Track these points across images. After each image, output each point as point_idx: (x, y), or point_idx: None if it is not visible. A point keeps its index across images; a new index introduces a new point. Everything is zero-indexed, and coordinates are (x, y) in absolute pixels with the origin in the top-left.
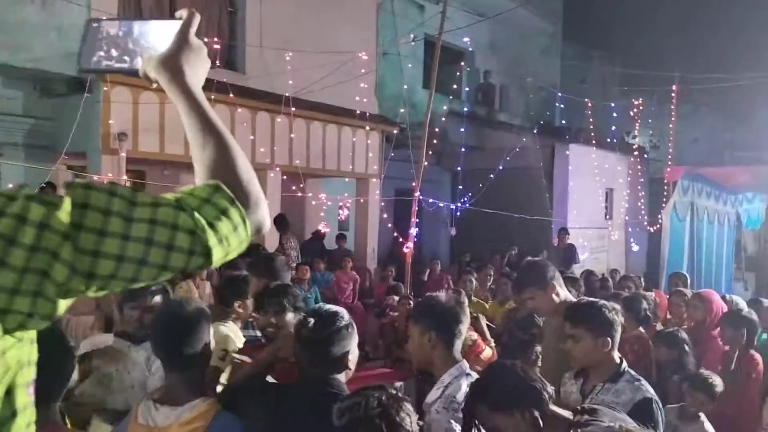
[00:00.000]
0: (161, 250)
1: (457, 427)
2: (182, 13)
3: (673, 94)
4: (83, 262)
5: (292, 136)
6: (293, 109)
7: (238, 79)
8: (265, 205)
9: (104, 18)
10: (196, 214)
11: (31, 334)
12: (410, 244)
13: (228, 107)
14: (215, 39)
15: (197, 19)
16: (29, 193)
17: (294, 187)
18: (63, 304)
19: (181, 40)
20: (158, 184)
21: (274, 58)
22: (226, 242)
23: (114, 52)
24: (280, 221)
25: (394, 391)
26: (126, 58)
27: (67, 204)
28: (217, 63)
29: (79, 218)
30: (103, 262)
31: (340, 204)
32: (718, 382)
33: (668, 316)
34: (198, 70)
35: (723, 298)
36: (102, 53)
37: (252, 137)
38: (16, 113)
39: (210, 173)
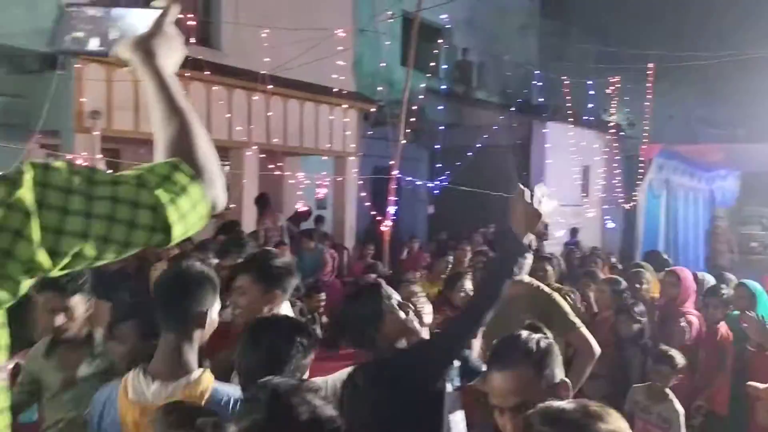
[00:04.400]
0: (124, 227)
1: None
2: (161, 2)
3: (649, 73)
4: (47, 239)
5: (270, 114)
6: (270, 86)
7: (214, 56)
8: (221, 183)
9: (81, 2)
10: (156, 191)
11: (2, 318)
12: (388, 223)
13: (204, 85)
14: (189, 16)
15: (176, 10)
16: None
17: (271, 166)
18: (26, 284)
19: (157, 28)
20: (133, 163)
21: (250, 35)
22: (186, 219)
23: (86, 35)
24: (261, 201)
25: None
26: (98, 41)
27: (28, 182)
28: (192, 40)
29: (41, 196)
30: (68, 239)
31: (318, 182)
32: (677, 355)
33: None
34: (171, 57)
35: (694, 275)
36: (74, 35)
37: (228, 115)
38: None
39: (169, 151)
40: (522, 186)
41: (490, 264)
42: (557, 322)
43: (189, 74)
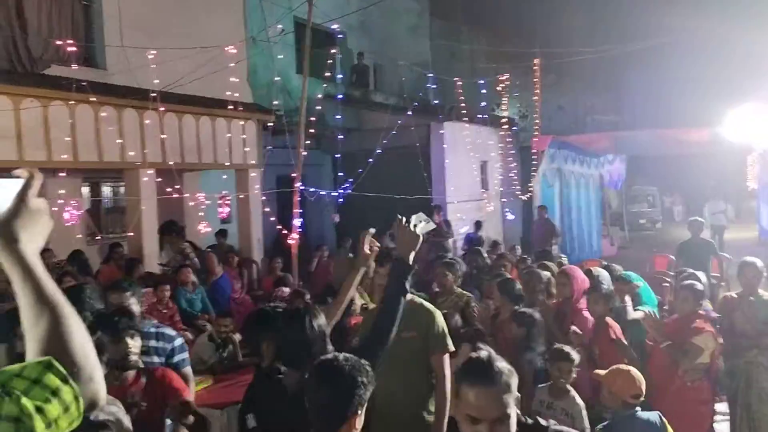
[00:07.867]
0: None
1: None
2: (22, 172)
3: (535, 68)
4: None
5: (163, 133)
6: (161, 105)
7: (100, 77)
8: (100, 377)
9: None
10: (23, 399)
11: None
12: (295, 236)
13: (92, 107)
14: (69, 39)
15: (39, 181)
16: None
17: (169, 189)
18: None
19: (19, 204)
20: None
21: (137, 52)
22: (55, 425)
23: None
24: (170, 228)
25: None
26: None
27: None
28: (74, 65)
29: None
30: None
31: (219, 202)
32: (572, 351)
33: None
34: (36, 236)
35: (589, 272)
36: None
37: (120, 140)
38: None
39: (43, 349)
40: (400, 216)
41: (387, 288)
42: (431, 340)
43: (74, 98)
